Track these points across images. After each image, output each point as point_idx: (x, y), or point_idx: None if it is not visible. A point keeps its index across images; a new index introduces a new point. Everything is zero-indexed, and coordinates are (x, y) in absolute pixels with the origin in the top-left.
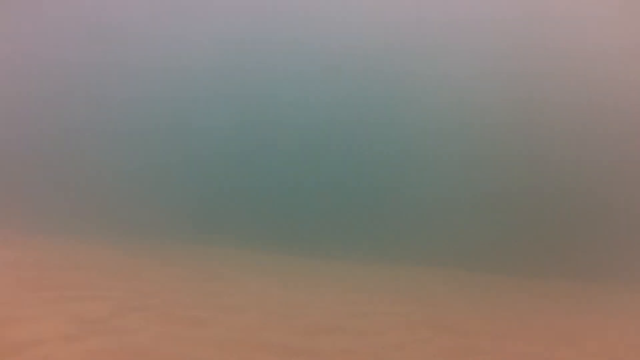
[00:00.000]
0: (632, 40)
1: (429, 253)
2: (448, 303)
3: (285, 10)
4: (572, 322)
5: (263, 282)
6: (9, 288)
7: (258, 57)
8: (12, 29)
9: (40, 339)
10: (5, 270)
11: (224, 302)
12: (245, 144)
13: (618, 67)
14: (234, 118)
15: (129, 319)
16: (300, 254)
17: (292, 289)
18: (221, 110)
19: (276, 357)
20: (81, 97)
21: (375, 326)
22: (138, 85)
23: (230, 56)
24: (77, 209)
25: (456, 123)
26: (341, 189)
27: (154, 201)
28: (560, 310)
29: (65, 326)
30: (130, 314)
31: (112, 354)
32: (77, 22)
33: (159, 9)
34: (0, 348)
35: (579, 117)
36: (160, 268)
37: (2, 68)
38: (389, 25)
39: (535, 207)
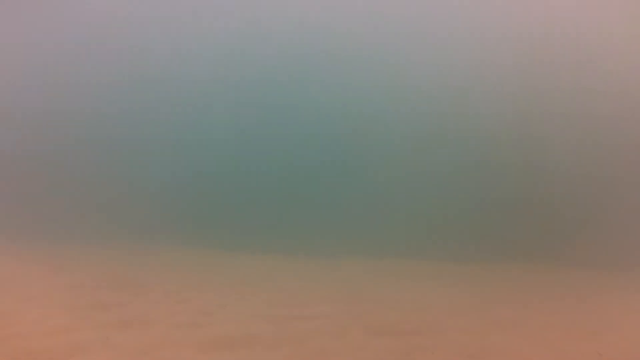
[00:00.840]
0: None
1: (362, 243)
2: (383, 298)
3: (282, 15)
4: (514, 308)
5: (183, 284)
6: None
7: (252, 64)
8: (12, 35)
9: None
10: None
11: (123, 316)
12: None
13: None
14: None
15: None
16: (235, 249)
17: (212, 291)
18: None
19: None
20: (81, 105)
21: (298, 332)
22: (137, 93)
23: (224, 64)
24: None
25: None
26: (278, 184)
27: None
28: (503, 297)
29: None
30: None
31: None
32: (77, 31)
33: (159, 16)
34: None
35: (566, 103)
36: (48, 277)
37: (5, 75)
38: (387, 28)
39: (480, 191)
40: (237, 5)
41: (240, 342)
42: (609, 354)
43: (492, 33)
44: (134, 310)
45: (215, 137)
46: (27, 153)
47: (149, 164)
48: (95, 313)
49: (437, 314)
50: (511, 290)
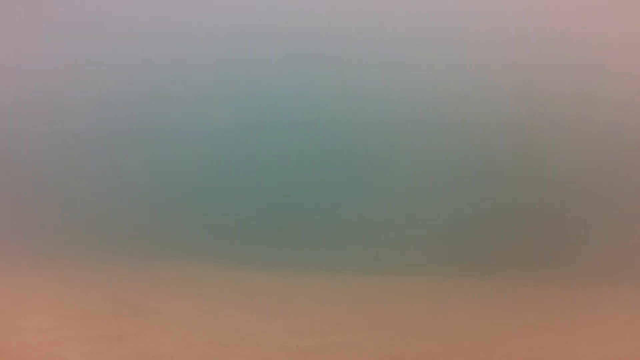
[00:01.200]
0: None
1: (375, 258)
2: (403, 323)
3: (284, 10)
4: (544, 334)
5: (196, 309)
6: None
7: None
8: (11, 33)
9: None
10: None
11: (136, 349)
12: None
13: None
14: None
15: None
16: (247, 266)
17: (226, 316)
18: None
19: None
20: (79, 101)
21: None
22: (139, 104)
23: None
24: None
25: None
26: (288, 198)
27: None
28: (528, 319)
29: None
30: None
31: None
32: (73, 26)
33: (158, 12)
34: None
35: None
36: (57, 304)
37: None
38: (386, 36)
39: (493, 201)
40: (234, 20)
41: None
42: None
43: (493, 39)
44: (147, 342)
45: (223, 150)
46: (25, 163)
47: (156, 176)
48: (107, 346)
49: (460, 341)
50: (537, 311)
